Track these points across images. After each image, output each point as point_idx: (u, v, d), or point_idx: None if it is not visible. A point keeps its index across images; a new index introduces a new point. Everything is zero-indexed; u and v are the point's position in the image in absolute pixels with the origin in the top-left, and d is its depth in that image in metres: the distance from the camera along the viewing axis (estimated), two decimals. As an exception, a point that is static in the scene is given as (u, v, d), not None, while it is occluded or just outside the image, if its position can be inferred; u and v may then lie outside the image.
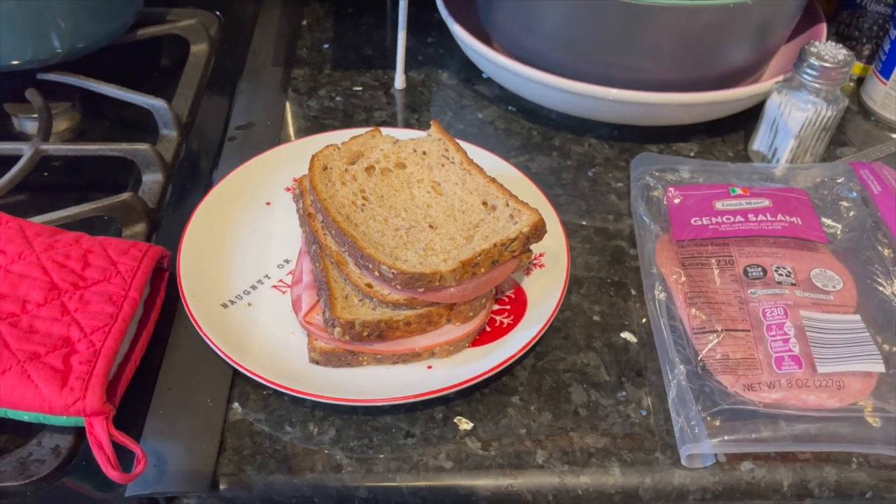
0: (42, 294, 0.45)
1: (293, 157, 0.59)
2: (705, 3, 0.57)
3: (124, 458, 0.41)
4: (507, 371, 0.49)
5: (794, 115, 0.60)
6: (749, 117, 0.66)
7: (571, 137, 0.67)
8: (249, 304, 0.50)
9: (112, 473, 0.39)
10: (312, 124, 0.67)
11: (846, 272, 0.52)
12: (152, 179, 0.60)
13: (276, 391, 0.47)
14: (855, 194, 0.58)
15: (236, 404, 0.47)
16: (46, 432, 0.44)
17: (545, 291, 0.51)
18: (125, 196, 0.55)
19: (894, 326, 0.49)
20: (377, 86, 0.72)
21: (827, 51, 0.58)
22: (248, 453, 0.44)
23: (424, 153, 0.54)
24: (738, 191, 0.57)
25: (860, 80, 0.73)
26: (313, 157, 0.52)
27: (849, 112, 0.71)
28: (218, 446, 0.44)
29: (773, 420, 0.45)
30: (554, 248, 0.54)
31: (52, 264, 0.46)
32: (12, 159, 0.59)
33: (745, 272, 0.51)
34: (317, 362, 0.47)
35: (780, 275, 0.51)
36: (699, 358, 0.47)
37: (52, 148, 0.60)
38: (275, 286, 0.52)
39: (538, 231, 0.48)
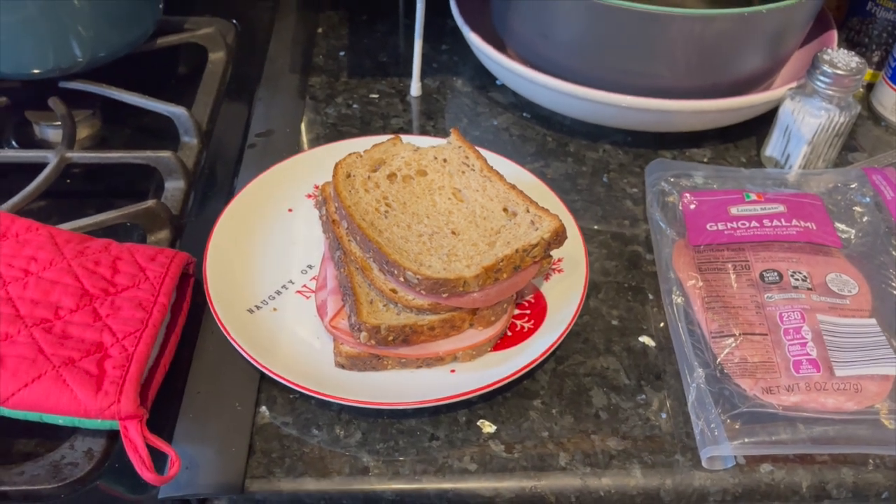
0: (74, 300, 0.46)
1: (314, 164, 0.60)
2: (719, 11, 0.58)
3: (156, 461, 0.42)
4: (529, 375, 0.50)
5: (807, 121, 0.61)
6: (761, 123, 0.67)
7: (586, 143, 0.68)
8: (275, 309, 0.51)
9: (147, 475, 0.40)
10: (330, 131, 0.68)
11: (861, 276, 0.53)
12: (175, 186, 0.61)
13: (302, 395, 0.48)
14: (868, 199, 0.59)
15: (264, 408, 0.47)
16: (79, 436, 0.45)
17: (564, 296, 0.52)
18: (150, 203, 0.56)
19: (909, 330, 0.50)
20: (393, 93, 0.73)
21: (840, 58, 0.59)
22: (277, 456, 0.45)
23: (445, 160, 0.55)
24: (753, 196, 0.58)
25: (870, 87, 0.74)
26: (337, 164, 0.53)
27: (859, 118, 0.71)
28: (247, 449, 0.45)
29: (792, 423, 0.46)
30: (572, 253, 0.54)
31: (83, 271, 0.47)
32: (37, 167, 0.60)
33: (762, 277, 0.52)
34: (342, 366, 0.48)
35: (796, 279, 0.52)
36: (717, 361, 0.48)
37: (76, 155, 0.61)
38: (299, 291, 0.53)
39: (559, 237, 0.49)
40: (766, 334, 0.49)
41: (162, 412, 0.46)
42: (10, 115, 0.68)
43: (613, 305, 0.55)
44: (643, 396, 0.49)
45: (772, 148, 0.65)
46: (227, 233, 0.55)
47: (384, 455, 0.46)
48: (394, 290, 0.48)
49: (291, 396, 0.48)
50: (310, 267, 0.55)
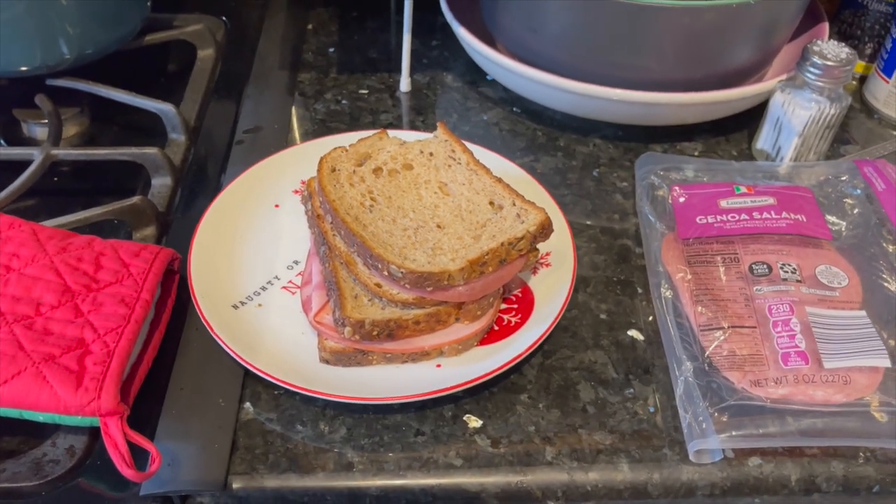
0: (56, 296, 0.45)
1: (300, 159, 0.60)
2: (708, 3, 0.58)
3: (138, 457, 0.42)
4: (516, 369, 0.49)
5: (797, 113, 0.60)
6: (752, 116, 0.66)
7: (576, 138, 0.68)
8: (260, 305, 0.51)
9: (127, 472, 0.40)
10: (319, 127, 0.68)
11: (851, 269, 0.52)
12: (161, 183, 0.61)
13: (287, 391, 0.47)
14: (859, 191, 0.58)
15: (248, 404, 0.47)
16: (61, 433, 0.44)
17: (552, 290, 0.52)
18: (135, 200, 0.56)
19: (900, 322, 0.49)
20: (383, 89, 0.72)
21: (830, 49, 0.59)
22: (260, 452, 0.45)
23: (431, 154, 0.54)
24: (743, 189, 0.57)
25: (863, 79, 0.74)
26: (321, 159, 0.53)
27: (852, 110, 0.71)
28: (230, 446, 0.45)
29: (781, 415, 0.45)
30: (560, 247, 0.54)
31: (65, 267, 0.47)
32: (23, 164, 0.59)
33: (751, 269, 0.52)
34: (327, 362, 0.48)
35: (786, 272, 0.51)
36: (706, 355, 0.48)
37: (62, 153, 0.61)
38: (284, 287, 0.52)
39: (545, 230, 0.48)
40: (755, 327, 0.49)
41: (145, 409, 0.46)
42: (-2, 113, 0.68)
43: (602, 299, 0.54)
44: (631, 390, 0.49)
45: (763, 141, 0.64)
46: (212, 229, 0.54)
47: (369, 451, 0.45)
48: (378, 285, 0.47)
49: (276, 392, 0.48)
50: (296, 263, 0.54)
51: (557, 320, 0.49)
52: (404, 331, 0.47)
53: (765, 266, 0.52)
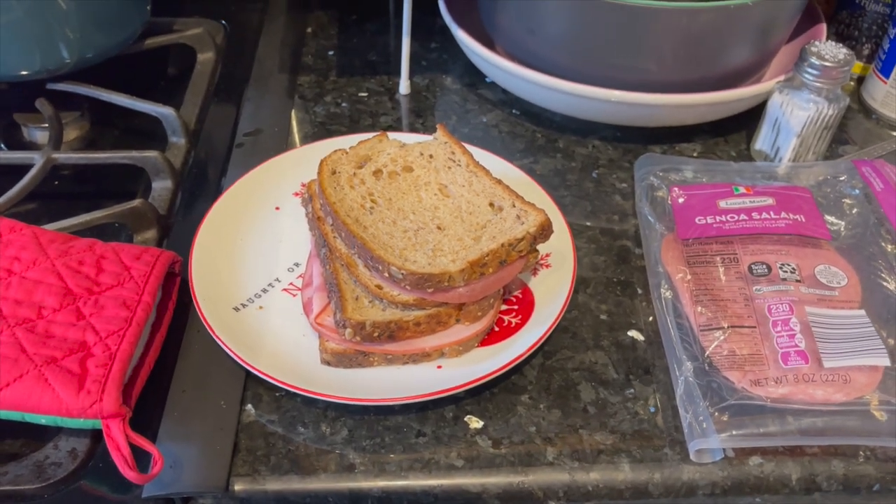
0: (57, 299, 0.46)
1: (301, 162, 0.60)
2: (705, 4, 0.58)
3: (140, 460, 0.42)
4: (516, 370, 0.49)
5: (796, 114, 0.60)
6: (751, 117, 0.67)
7: (575, 139, 0.68)
8: (261, 308, 0.51)
9: (129, 474, 0.40)
10: (319, 130, 0.68)
11: (850, 268, 0.52)
12: (162, 186, 0.61)
13: (288, 392, 0.47)
14: (857, 191, 0.58)
15: (249, 406, 0.47)
16: (63, 435, 0.45)
17: (552, 291, 0.52)
18: (136, 203, 0.56)
19: (899, 321, 0.49)
20: (382, 91, 0.73)
21: (827, 50, 0.59)
22: (262, 454, 0.45)
23: (431, 156, 0.54)
24: (742, 189, 0.57)
25: (860, 80, 0.74)
26: (322, 161, 0.53)
27: (850, 111, 0.71)
28: (232, 447, 0.45)
29: (781, 415, 0.45)
30: (560, 248, 0.54)
31: (67, 270, 0.47)
32: (23, 168, 0.60)
33: (750, 269, 0.52)
34: (328, 363, 0.48)
35: (785, 272, 0.51)
36: (706, 354, 0.48)
37: (62, 157, 0.61)
38: (285, 289, 0.53)
39: (545, 231, 0.49)
40: (755, 327, 0.49)
41: (147, 411, 0.46)
42: (-2, 117, 0.68)
43: (602, 300, 0.54)
44: (631, 390, 0.49)
45: (761, 141, 0.65)
46: (213, 231, 0.54)
47: (370, 452, 0.45)
48: (379, 286, 0.48)
49: (277, 394, 0.48)
50: (296, 265, 0.54)
51: (558, 321, 0.49)
52: (405, 332, 0.47)
53: (764, 266, 0.52)
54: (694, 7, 0.58)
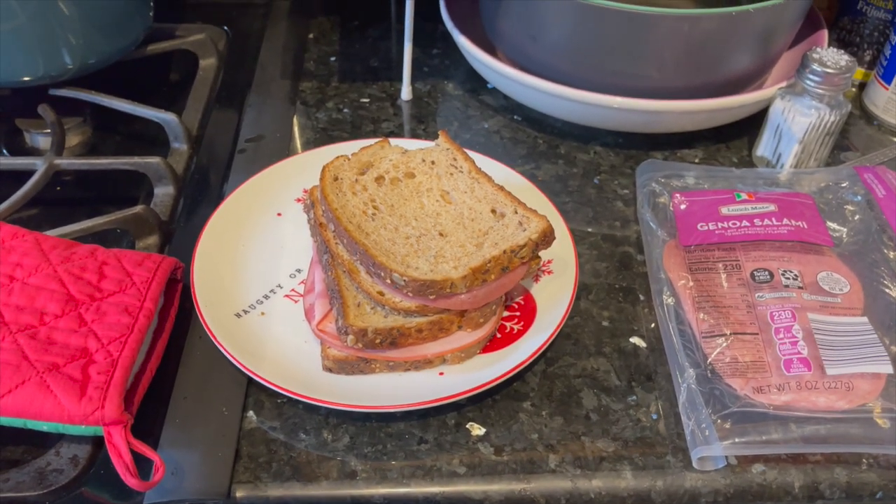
0: (59, 306, 0.46)
1: (303, 168, 0.60)
2: (707, 11, 0.58)
3: (142, 466, 0.42)
4: (519, 377, 0.49)
5: (797, 120, 0.60)
6: (753, 123, 0.67)
7: (577, 145, 0.68)
8: (263, 314, 0.51)
9: (131, 481, 0.40)
10: (321, 136, 0.68)
11: (853, 275, 0.52)
12: (164, 192, 0.61)
13: (290, 399, 0.47)
14: (859, 198, 0.58)
15: (251, 412, 0.47)
16: (64, 442, 0.44)
17: (554, 298, 0.52)
18: (138, 209, 0.56)
19: (901, 328, 0.49)
20: (384, 97, 0.73)
21: (829, 57, 0.59)
22: (264, 461, 0.45)
23: (433, 163, 0.54)
24: (744, 196, 0.57)
25: (862, 86, 0.74)
26: (324, 167, 0.53)
27: (851, 117, 0.71)
28: (234, 454, 0.45)
29: (784, 422, 0.45)
30: (562, 254, 0.54)
31: (69, 276, 0.47)
32: (26, 174, 0.60)
33: (753, 276, 0.52)
34: (330, 370, 0.48)
35: (787, 278, 0.51)
36: (708, 361, 0.48)
37: (65, 162, 0.61)
38: (287, 295, 0.53)
39: (547, 237, 0.49)
40: (757, 333, 0.49)
41: (148, 418, 0.46)
42: (1, 122, 0.68)
43: (604, 306, 0.54)
44: (634, 397, 0.49)
45: (763, 148, 0.65)
46: (215, 237, 0.54)
47: (372, 459, 0.45)
48: (381, 293, 0.48)
49: (279, 401, 0.48)
50: (298, 271, 0.54)
51: (560, 328, 0.49)
52: (407, 339, 0.47)
53: (766, 273, 0.52)
54: (696, 14, 0.58)
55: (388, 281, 0.46)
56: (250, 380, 0.48)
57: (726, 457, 0.45)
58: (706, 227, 0.55)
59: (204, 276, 0.51)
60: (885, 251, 0.54)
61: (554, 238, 0.49)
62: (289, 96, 0.72)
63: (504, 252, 0.47)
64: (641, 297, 0.55)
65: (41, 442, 0.45)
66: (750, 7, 0.58)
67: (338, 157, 0.54)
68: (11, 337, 0.44)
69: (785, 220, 0.55)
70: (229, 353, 0.47)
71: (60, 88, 0.68)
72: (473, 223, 0.50)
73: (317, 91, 0.73)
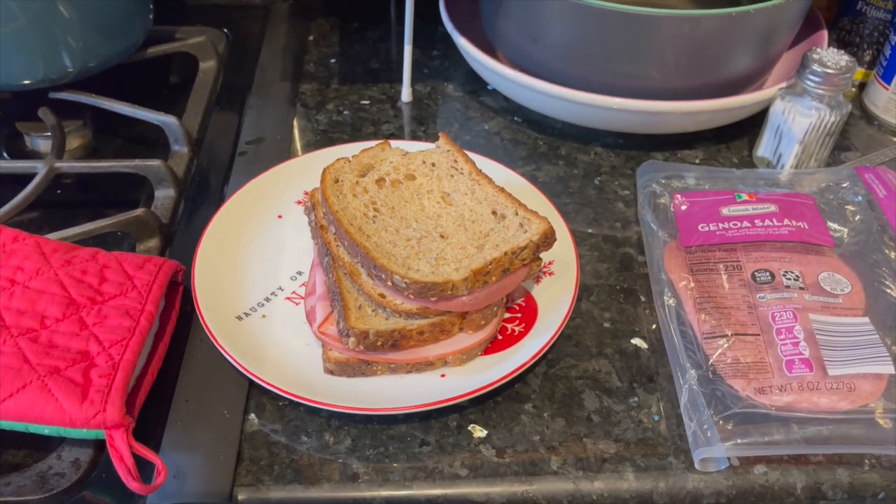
0: (60, 309, 0.46)
1: (303, 170, 0.60)
2: (707, 12, 0.58)
3: (144, 470, 0.42)
4: (520, 379, 0.49)
5: (798, 120, 0.60)
6: (753, 124, 0.67)
7: (577, 146, 0.68)
8: (264, 316, 0.51)
9: (133, 485, 0.40)
10: (321, 138, 0.68)
11: (854, 275, 0.52)
12: (165, 195, 0.61)
13: (291, 401, 0.47)
14: (860, 198, 0.58)
15: (253, 415, 0.47)
16: (66, 446, 0.44)
17: (555, 299, 0.52)
18: (139, 212, 0.56)
19: (903, 328, 0.49)
20: (384, 99, 0.73)
21: (829, 57, 0.59)
22: (266, 464, 0.45)
23: (434, 164, 0.54)
24: (745, 196, 0.57)
25: (862, 86, 0.74)
26: (325, 170, 0.53)
27: (852, 117, 0.71)
28: (235, 457, 0.45)
29: (786, 423, 0.45)
30: (563, 256, 0.54)
31: (70, 280, 0.47)
32: (26, 177, 0.60)
33: (754, 277, 0.52)
34: (331, 372, 0.48)
35: (789, 279, 0.51)
36: (710, 362, 0.48)
37: (65, 165, 0.61)
38: (288, 298, 0.53)
39: (548, 239, 0.49)
40: (759, 334, 0.49)
41: (150, 421, 0.46)
42: (1, 126, 0.68)
43: (605, 308, 0.54)
44: (635, 399, 0.49)
45: (763, 148, 0.65)
46: (215, 240, 0.54)
47: (374, 461, 0.45)
48: (382, 295, 0.48)
49: (280, 403, 0.48)
50: (299, 273, 0.54)
51: (561, 329, 0.49)
52: (408, 341, 0.47)
53: (767, 273, 0.52)
54: (696, 15, 0.58)
55: (390, 283, 0.46)
56: (252, 382, 0.48)
57: (728, 458, 0.45)
58: (707, 228, 0.55)
59: (205, 278, 0.51)
60: (886, 251, 0.54)
61: (555, 239, 0.49)
62: (289, 98, 0.72)
63: (505, 254, 0.47)
64: (642, 298, 0.55)
65: (43, 446, 0.45)
66: (750, 8, 0.58)
67: (338, 160, 0.54)
68: (13, 340, 0.44)
69: (786, 221, 0.55)
70: (231, 356, 0.47)
71: (61, 91, 0.68)
72: (474, 225, 0.50)
73: (317, 93, 0.73)
